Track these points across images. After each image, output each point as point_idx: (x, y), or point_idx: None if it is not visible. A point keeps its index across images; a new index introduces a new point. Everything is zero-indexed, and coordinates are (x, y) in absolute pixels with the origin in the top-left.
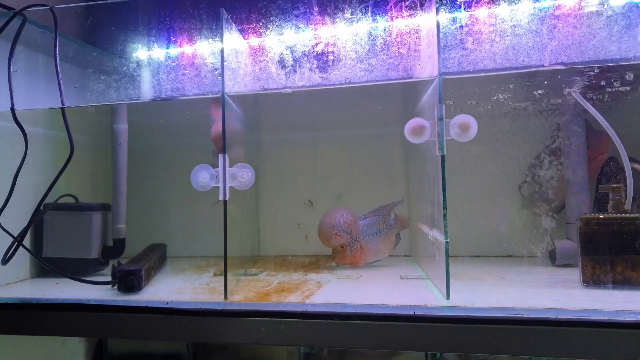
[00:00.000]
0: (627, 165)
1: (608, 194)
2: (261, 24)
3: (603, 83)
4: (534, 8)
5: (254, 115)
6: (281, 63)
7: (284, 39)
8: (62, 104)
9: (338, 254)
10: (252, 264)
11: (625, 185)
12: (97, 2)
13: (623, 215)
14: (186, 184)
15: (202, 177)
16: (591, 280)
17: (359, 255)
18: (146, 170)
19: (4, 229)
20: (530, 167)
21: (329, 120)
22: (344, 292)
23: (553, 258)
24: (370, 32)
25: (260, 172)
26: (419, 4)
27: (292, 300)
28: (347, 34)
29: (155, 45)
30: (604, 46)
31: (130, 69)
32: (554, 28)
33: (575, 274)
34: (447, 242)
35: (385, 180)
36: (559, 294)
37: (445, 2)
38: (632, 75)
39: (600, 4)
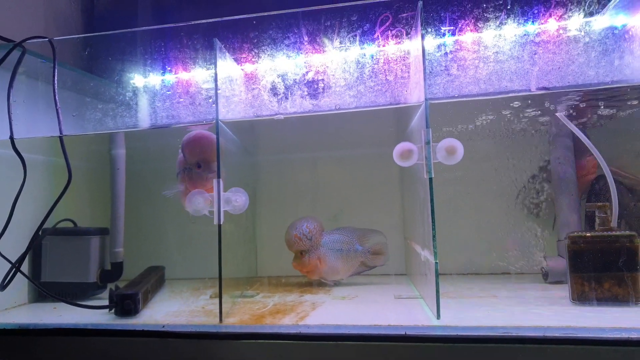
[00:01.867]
0: (611, 184)
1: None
2: (253, 54)
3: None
4: (515, 35)
5: (250, 139)
6: (273, 90)
7: (276, 67)
8: (61, 133)
9: (297, 259)
10: (248, 285)
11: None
12: (94, 34)
13: (609, 233)
14: (183, 208)
15: (197, 201)
16: (580, 297)
17: (315, 264)
18: (144, 195)
19: (2, 256)
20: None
21: (324, 142)
22: (338, 313)
23: (545, 275)
24: (359, 60)
25: (258, 194)
26: (404, 32)
27: (287, 322)
28: (336, 62)
29: (151, 74)
30: (582, 71)
31: (127, 98)
32: (535, 54)
33: (565, 291)
34: (436, 263)
35: (381, 200)
36: (548, 311)
37: (430, 30)
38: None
39: (578, 30)
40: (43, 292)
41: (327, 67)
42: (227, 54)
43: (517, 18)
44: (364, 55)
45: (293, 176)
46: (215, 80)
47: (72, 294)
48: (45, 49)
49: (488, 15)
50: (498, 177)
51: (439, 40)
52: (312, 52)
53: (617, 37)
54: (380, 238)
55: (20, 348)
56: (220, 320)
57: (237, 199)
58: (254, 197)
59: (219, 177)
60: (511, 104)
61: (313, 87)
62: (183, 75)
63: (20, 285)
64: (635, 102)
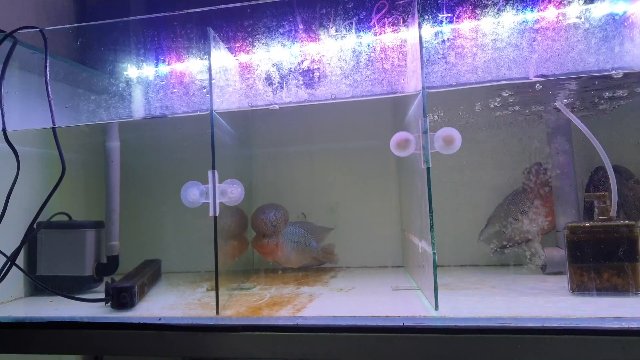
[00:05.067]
0: (610, 173)
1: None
2: (248, 43)
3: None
4: (513, 22)
5: (245, 129)
6: (268, 80)
7: (271, 56)
8: (53, 124)
9: (258, 240)
10: (245, 278)
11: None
12: (86, 24)
13: (608, 223)
14: (179, 199)
15: (192, 193)
16: (579, 287)
17: (273, 249)
18: (139, 187)
19: None
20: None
21: (320, 133)
22: (335, 305)
23: (543, 266)
24: (355, 49)
25: (254, 186)
26: (401, 20)
27: (283, 314)
28: (332, 51)
29: (144, 65)
30: (582, 58)
31: (120, 88)
32: (534, 41)
33: (564, 281)
34: (434, 254)
35: (378, 191)
36: (547, 302)
37: (427, 17)
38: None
39: (577, 17)
40: (39, 285)
41: (323, 55)
42: (221, 43)
43: (516, 5)
44: (360, 43)
45: (289, 167)
46: (210, 70)
47: (68, 287)
48: (37, 40)
49: (486, 2)
50: (497, 167)
51: (437, 28)
52: (307, 41)
53: (617, 23)
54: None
55: (16, 342)
56: (217, 312)
57: (232, 191)
58: (250, 188)
59: (214, 168)
60: (510, 92)
61: (308, 77)
62: (177, 65)
63: (16, 279)
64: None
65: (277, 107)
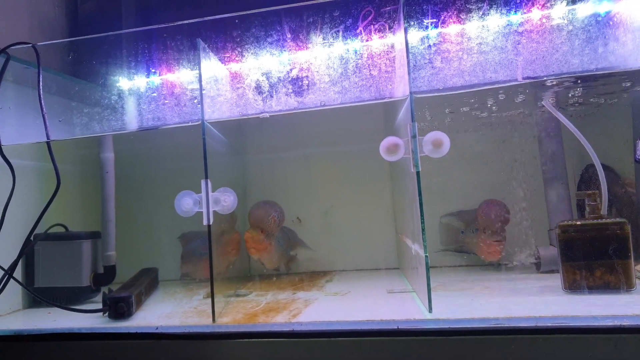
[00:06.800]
0: (600, 171)
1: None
2: (237, 52)
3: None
4: (498, 25)
5: (238, 137)
6: (258, 89)
7: (260, 65)
8: (48, 138)
9: (254, 232)
10: (241, 284)
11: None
12: (77, 38)
13: (600, 220)
14: (174, 208)
15: (186, 202)
16: (572, 286)
17: (264, 247)
18: (134, 197)
19: None
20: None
21: (313, 139)
22: (331, 309)
23: (538, 265)
24: (342, 56)
25: (248, 193)
26: (387, 26)
27: (279, 320)
28: (320, 59)
29: (136, 77)
30: (566, 60)
31: (112, 101)
32: (519, 44)
33: (558, 280)
34: (426, 256)
35: (372, 195)
36: (540, 301)
37: (413, 23)
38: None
39: (561, 18)
40: (37, 297)
41: (311, 63)
42: (210, 53)
43: (500, 8)
44: (348, 50)
45: (283, 173)
46: (200, 80)
47: (66, 298)
48: (30, 54)
49: (470, 7)
50: (488, 167)
51: (422, 33)
52: (295, 49)
53: (600, 24)
54: (307, 253)
55: (15, 354)
56: (214, 320)
57: (225, 199)
58: (244, 196)
59: (206, 177)
60: (497, 95)
61: (298, 85)
62: (168, 76)
63: (15, 291)
64: (624, 87)
65: (267, 115)
